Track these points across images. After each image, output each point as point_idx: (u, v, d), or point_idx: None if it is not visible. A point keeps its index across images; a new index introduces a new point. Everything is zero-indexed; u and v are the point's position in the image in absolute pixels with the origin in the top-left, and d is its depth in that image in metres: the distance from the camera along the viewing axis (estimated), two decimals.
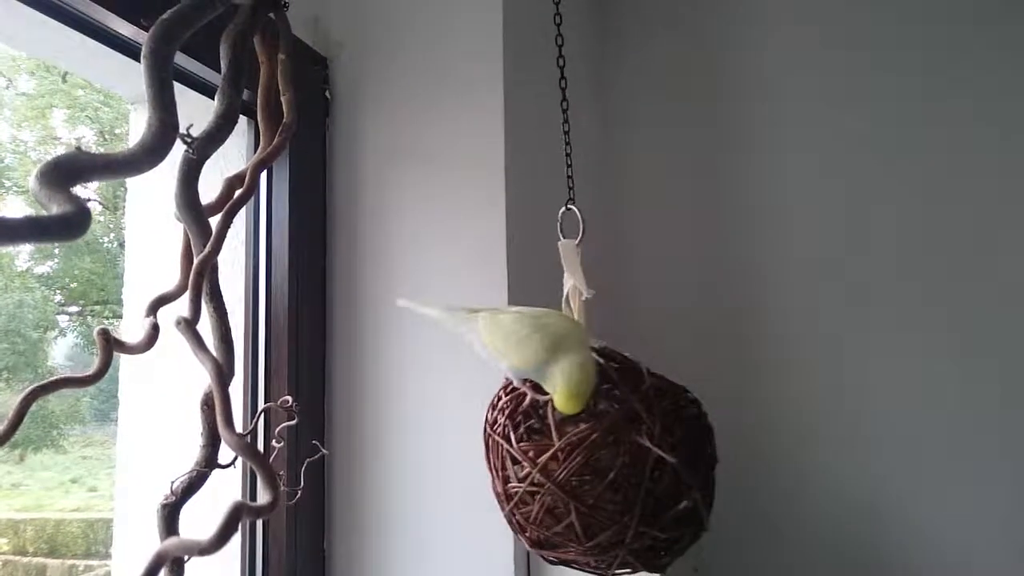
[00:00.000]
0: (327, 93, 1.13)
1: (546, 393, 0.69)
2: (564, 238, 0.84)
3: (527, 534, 0.70)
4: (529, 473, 0.67)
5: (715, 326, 1.51)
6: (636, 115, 1.62)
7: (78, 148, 0.53)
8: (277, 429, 0.81)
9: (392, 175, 1.11)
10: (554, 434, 0.67)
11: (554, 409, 0.68)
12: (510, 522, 0.73)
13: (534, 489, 0.67)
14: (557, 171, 1.27)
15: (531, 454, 0.68)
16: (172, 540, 0.42)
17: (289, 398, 0.79)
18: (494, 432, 0.73)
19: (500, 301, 1.02)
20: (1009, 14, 1.37)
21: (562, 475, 0.65)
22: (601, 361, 0.72)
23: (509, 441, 0.70)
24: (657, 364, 0.75)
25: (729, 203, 1.54)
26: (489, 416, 0.75)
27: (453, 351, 1.04)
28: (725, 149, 1.55)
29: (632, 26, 1.65)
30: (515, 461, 0.70)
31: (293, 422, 0.82)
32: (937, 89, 1.40)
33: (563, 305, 0.82)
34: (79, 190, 0.54)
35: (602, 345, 0.75)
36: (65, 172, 0.51)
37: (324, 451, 1.02)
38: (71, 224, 0.48)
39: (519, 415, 0.73)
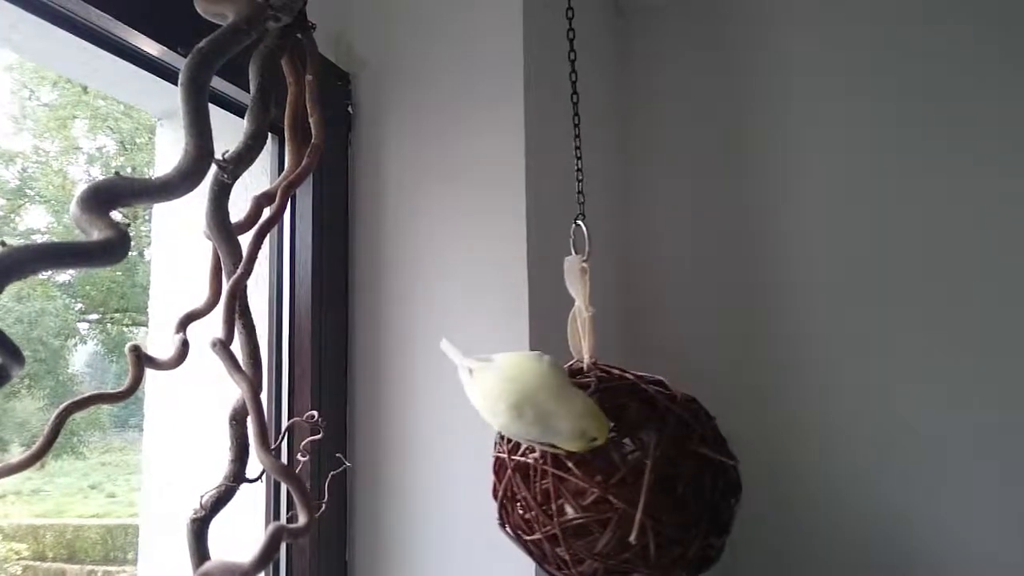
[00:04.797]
0: (350, 109, 1.14)
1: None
2: (575, 253, 0.82)
3: (579, 569, 0.65)
4: (598, 499, 0.63)
5: (730, 327, 1.51)
6: (651, 117, 1.62)
7: (117, 173, 0.54)
8: (302, 443, 0.82)
9: (414, 191, 1.12)
10: (613, 455, 0.65)
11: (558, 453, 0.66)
12: (553, 561, 0.67)
13: (605, 517, 0.64)
14: (577, 187, 1.28)
15: (598, 479, 0.64)
16: (213, 562, 0.43)
17: (315, 413, 0.80)
18: (538, 463, 0.67)
19: (521, 317, 1.03)
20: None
21: (636, 495, 0.62)
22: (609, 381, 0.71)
23: (565, 469, 0.65)
24: (671, 366, 0.76)
25: (743, 204, 1.54)
26: (506, 447, 0.71)
27: None
28: (741, 151, 1.56)
29: (654, 30, 1.65)
30: (577, 491, 0.65)
31: (318, 436, 0.83)
32: (954, 88, 1.40)
33: (570, 324, 0.80)
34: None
35: (593, 361, 0.76)
36: (104, 197, 0.52)
37: (347, 464, 1.03)
38: (112, 249, 0.49)
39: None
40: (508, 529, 0.73)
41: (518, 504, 0.70)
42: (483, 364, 0.71)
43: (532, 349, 1.03)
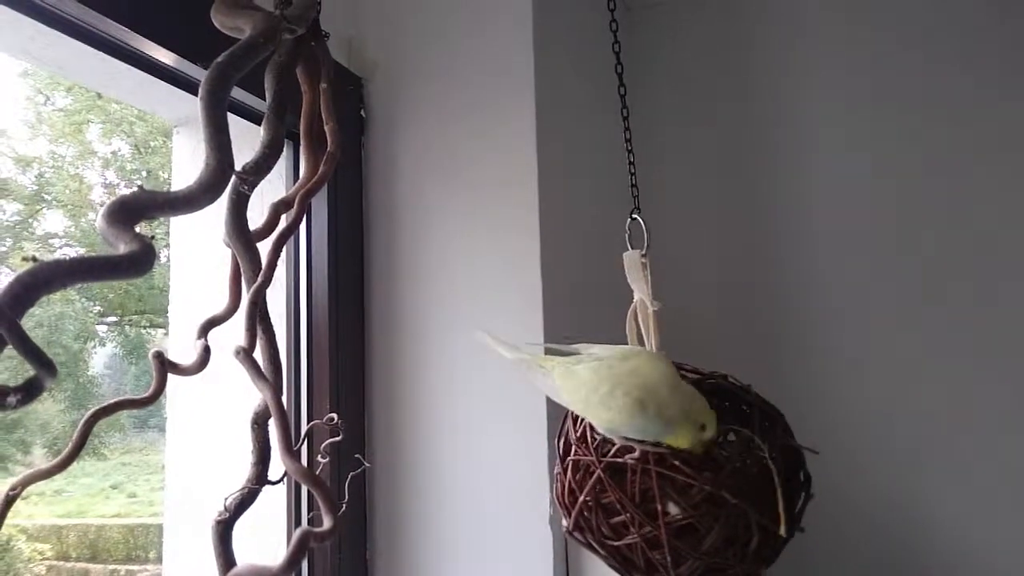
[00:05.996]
0: (362, 112, 1.15)
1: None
2: (632, 248, 0.80)
3: (678, 570, 0.64)
4: (708, 496, 0.62)
5: (741, 328, 1.51)
6: (661, 118, 1.62)
7: (140, 187, 0.55)
8: (322, 445, 0.84)
9: (427, 193, 1.13)
10: (713, 450, 0.64)
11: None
12: (643, 565, 0.65)
13: (715, 513, 0.63)
14: (589, 187, 1.29)
15: (707, 475, 0.62)
16: (242, 566, 0.45)
17: (334, 415, 0.82)
18: (638, 463, 0.65)
19: (534, 318, 1.04)
20: None
21: (746, 489, 0.62)
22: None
23: (670, 467, 0.63)
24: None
25: (756, 205, 1.54)
26: (592, 449, 0.69)
27: (493, 362, 1.07)
28: (752, 151, 1.55)
29: (657, 19, 1.65)
30: (683, 488, 0.63)
31: (338, 438, 0.84)
32: (956, 86, 1.40)
33: (629, 320, 0.79)
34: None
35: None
36: (129, 211, 0.53)
37: (366, 464, 1.05)
38: (140, 262, 0.50)
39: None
40: (583, 536, 0.70)
41: (604, 508, 0.68)
42: (568, 357, 0.69)
43: (548, 348, 1.04)
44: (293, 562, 0.41)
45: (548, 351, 0.73)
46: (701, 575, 0.64)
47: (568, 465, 0.72)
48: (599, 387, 0.64)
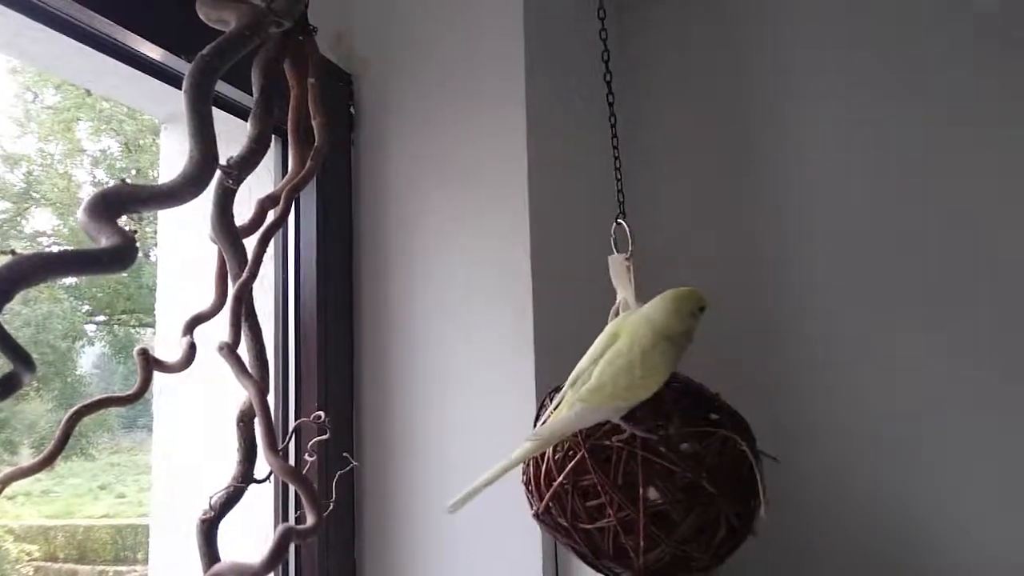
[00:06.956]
0: (352, 109, 1.15)
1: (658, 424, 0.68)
2: (617, 252, 0.82)
3: (647, 556, 0.64)
4: (690, 483, 0.63)
5: (729, 327, 1.51)
6: (657, 119, 1.62)
7: (123, 180, 0.54)
8: (309, 443, 0.83)
9: (418, 191, 1.12)
10: (695, 444, 0.66)
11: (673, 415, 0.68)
12: (610, 551, 0.67)
13: (693, 501, 0.64)
14: (581, 186, 1.29)
15: (690, 463, 0.64)
16: (224, 564, 0.44)
17: (321, 413, 0.81)
18: (628, 445, 0.66)
19: (525, 315, 1.03)
20: None
21: (723, 480, 0.64)
22: None
23: (658, 454, 0.65)
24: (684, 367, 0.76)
25: (752, 204, 1.54)
26: (583, 432, 0.69)
27: (482, 361, 1.06)
28: (741, 149, 1.55)
29: (651, 29, 1.65)
30: (667, 474, 0.64)
31: (325, 436, 0.84)
32: (955, 86, 1.40)
33: (611, 319, 0.79)
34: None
35: None
36: (112, 204, 0.53)
37: (354, 463, 1.04)
38: (120, 256, 0.49)
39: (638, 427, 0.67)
40: (552, 519, 0.71)
41: (581, 491, 0.69)
42: (568, 391, 0.69)
43: (537, 346, 1.03)
44: (274, 559, 0.41)
45: (544, 420, 0.72)
46: (667, 564, 0.65)
47: (549, 449, 0.73)
48: (629, 373, 0.65)
